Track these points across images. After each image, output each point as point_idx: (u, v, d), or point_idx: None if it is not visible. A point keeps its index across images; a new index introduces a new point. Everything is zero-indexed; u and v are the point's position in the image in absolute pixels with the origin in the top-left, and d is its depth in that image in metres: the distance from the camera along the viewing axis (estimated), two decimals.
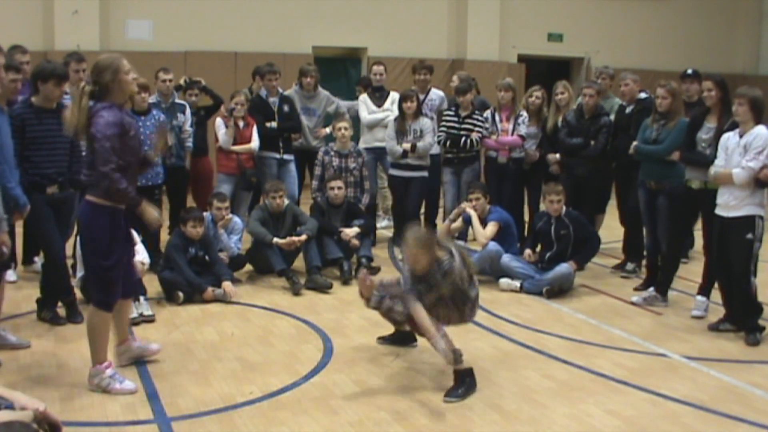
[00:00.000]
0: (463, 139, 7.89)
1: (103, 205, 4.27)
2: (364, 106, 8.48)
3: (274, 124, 7.95)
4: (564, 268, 6.73)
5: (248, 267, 7.24)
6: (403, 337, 5.32)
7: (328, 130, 8.53)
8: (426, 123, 7.87)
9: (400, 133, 7.80)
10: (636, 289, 6.83)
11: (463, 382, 4.54)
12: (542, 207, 7.41)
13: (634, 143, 6.72)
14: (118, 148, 4.19)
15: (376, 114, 8.39)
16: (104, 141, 4.15)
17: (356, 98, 9.32)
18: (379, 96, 8.50)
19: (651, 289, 6.57)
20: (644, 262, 7.25)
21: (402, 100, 7.83)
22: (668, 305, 6.39)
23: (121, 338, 4.81)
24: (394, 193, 8.16)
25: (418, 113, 7.87)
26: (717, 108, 5.89)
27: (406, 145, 7.72)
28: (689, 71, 7.38)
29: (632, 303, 6.51)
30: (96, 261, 4.34)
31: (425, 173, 7.95)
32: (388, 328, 5.78)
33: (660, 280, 6.54)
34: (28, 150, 5.37)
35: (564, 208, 6.94)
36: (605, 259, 8.01)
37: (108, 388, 4.38)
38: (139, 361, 4.91)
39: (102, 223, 4.29)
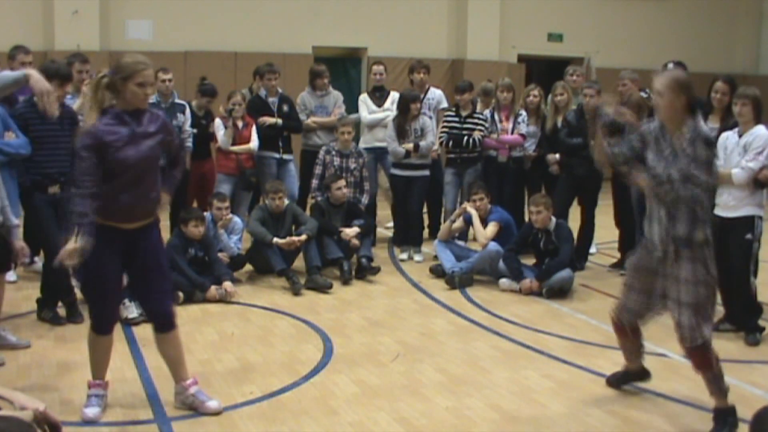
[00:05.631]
0: (465, 138, 7.89)
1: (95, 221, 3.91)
2: (364, 106, 8.48)
3: (279, 121, 7.94)
4: (565, 273, 6.72)
5: (248, 267, 7.24)
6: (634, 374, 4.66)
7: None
8: (426, 122, 7.87)
9: (401, 133, 7.80)
10: None
11: (726, 423, 4.08)
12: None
13: None
14: (93, 162, 3.80)
15: (376, 114, 8.39)
16: (79, 153, 3.83)
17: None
18: (379, 96, 8.50)
19: None
20: None
21: (410, 101, 7.81)
22: None
23: (175, 377, 4.28)
24: (396, 192, 8.15)
25: (419, 113, 7.88)
26: (721, 109, 5.87)
27: (409, 146, 7.73)
28: (670, 65, 6.63)
29: None
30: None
31: (427, 172, 7.96)
32: (388, 328, 5.79)
33: None
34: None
35: (553, 220, 6.91)
36: (605, 259, 8.02)
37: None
38: (139, 362, 4.91)
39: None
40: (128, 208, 3.95)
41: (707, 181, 3.96)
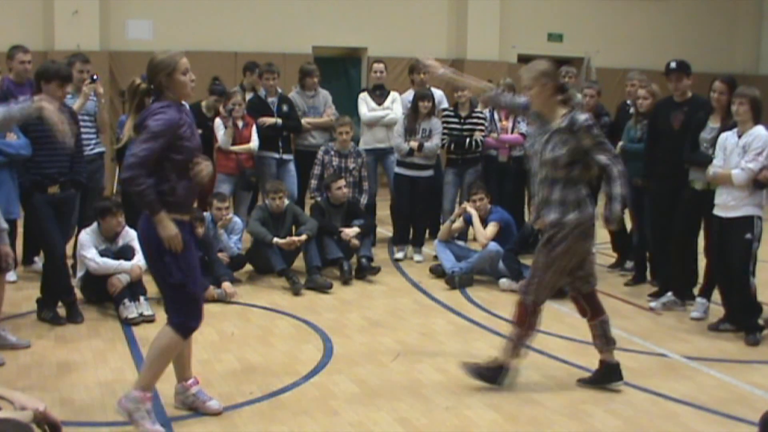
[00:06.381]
0: (467, 140, 7.89)
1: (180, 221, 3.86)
2: (364, 104, 8.48)
3: (279, 121, 7.95)
4: None
5: (248, 267, 7.24)
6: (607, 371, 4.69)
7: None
8: (436, 124, 7.87)
9: (410, 131, 7.81)
10: (650, 295, 6.65)
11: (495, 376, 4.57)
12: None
13: (620, 143, 6.85)
14: (164, 150, 3.73)
15: (376, 112, 8.39)
16: (150, 138, 3.69)
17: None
18: (379, 94, 8.50)
19: (669, 293, 6.38)
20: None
21: (419, 99, 7.82)
22: (686, 310, 6.28)
23: (179, 376, 4.23)
24: (398, 192, 8.13)
25: (432, 114, 7.89)
26: (721, 108, 5.87)
27: (414, 144, 7.73)
28: (672, 64, 6.47)
29: (650, 309, 6.38)
30: (163, 280, 3.92)
31: (431, 172, 7.97)
32: (388, 328, 5.79)
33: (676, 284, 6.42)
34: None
35: None
36: (604, 259, 8.01)
37: (137, 420, 3.84)
38: (139, 362, 4.91)
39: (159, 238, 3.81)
40: (196, 196, 4.04)
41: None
